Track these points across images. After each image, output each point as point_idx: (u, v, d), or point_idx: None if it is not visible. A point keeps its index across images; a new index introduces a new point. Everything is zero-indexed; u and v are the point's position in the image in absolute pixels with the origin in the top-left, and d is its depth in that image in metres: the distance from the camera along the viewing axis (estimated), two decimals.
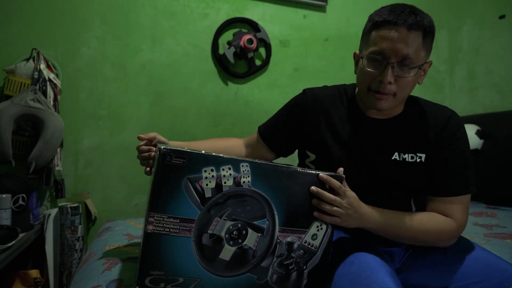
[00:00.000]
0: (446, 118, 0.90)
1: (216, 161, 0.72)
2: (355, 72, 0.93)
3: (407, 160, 0.89)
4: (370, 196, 0.87)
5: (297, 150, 1.09)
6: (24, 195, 1.42)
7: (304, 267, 0.77)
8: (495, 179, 2.12)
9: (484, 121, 2.23)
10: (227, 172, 0.72)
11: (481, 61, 2.42)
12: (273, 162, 0.80)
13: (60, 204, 1.55)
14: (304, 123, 0.99)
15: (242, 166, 0.73)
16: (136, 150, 0.96)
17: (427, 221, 0.85)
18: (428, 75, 2.51)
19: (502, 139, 2.11)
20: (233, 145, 1.09)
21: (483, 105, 2.40)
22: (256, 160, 0.76)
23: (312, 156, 0.98)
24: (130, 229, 1.38)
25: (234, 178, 0.73)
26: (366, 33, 0.88)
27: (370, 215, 0.81)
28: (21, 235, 1.34)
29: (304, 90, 1.03)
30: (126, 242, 1.20)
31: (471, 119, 2.31)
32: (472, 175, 0.90)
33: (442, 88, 2.61)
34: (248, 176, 0.73)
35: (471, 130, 2.22)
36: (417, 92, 2.79)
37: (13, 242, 1.24)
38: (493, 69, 2.35)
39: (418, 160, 0.89)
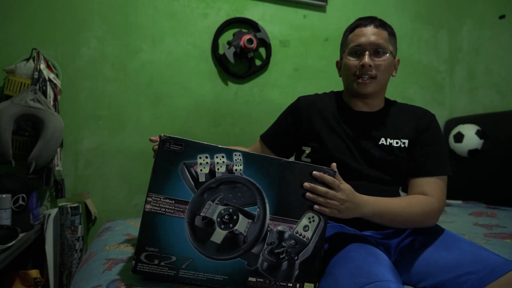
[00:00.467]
0: (422, 112, 1.09)
1: (210, 149, 0.77)
2: (340, 76, 1.13)
3: (393, 144, 1.03)
4: (363, 181, 1.00)
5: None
6: (24, 195, 1.42)
7: (296, 258, 0.79)
8: (495, 179, 2.12)
9: (484, 121, 2.23)
10: (220, 159, 0.77)
11: (481, 61, 2.42)
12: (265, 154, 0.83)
13: (60, 204, 1.54)
14: (300, 124, 1.10)
15: (235, 155, 0.77)
16: (152, 150, 0.99)
17: (415, 204, 0.94)
18: (428, 75, 2.54)
19: (502, 139, 2.11)
20: None
21: (483, 105, 2.40)
22: (249, 151, 0.80)
23: (308, 149, 1.08)
24: (130, 229, 1.38)
25: (227, 165, 0.77)
26: (344, 41, 1.10)
27: (366, 204, 0.85)
28: (21, 235, 1.34)
29: (298, 98, 1.16)
30: (126, 242, 1.20)
31: (471, 119, 2.31)
32: (448, 160, 1.05)
33: (442, 88, 2.61)
34: (240, 165, 0.77)
35: (471, 130, 2.23)
36: (417, 92, 2.79)
37: (13, 242, 1.24)
38: (493, 69, 2.35)
39: (402, 145, 1.03)
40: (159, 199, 0.74)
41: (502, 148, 2.10)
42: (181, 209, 0.75)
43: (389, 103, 1.12)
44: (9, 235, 1.24)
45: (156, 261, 0.74)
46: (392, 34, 1.07)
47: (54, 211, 1.56)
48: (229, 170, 0.77)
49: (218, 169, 0.76)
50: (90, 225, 1.79)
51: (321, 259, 0.81)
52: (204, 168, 0.76)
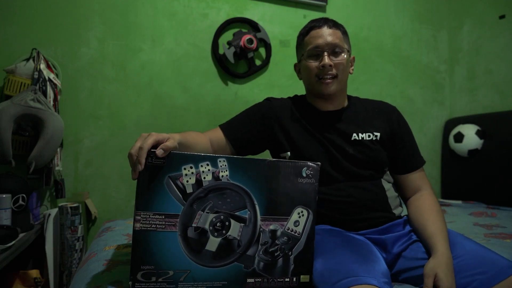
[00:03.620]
0: (387, 106, 1.14)
1: (194, 159, 0.76)
2: (300, 78, 1.16)
3: (365, 138, 1.05)
4: (344, 181, 1.01)
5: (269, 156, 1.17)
6: (24, 195, 1.42)
7: (290, 253, 0.80)
8: (495, 179, 2.12)
9: (484, 121, 2.23)
10: (205, 168, 0.76)
11: (481, 61, 2.42)
12: (249, 156, 0.83)
13: (60, 204, 1.54)
14: (272, 127, 1.10)
15: (220, 161, 0.77)
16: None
17: (435, 207, 1.00)
18: (428, 75, 2.55)
19: (502, 139, 2.11)
20: (203, 140, 1.05)
21: (483, 105, 2.40)
22: (233, 156, 0.80)
23: (287, 155, 1.08)
24: (130, 229, 1.38)
25: (213, 173, 0.77)
26: (300, 43, 1.13)
27: (450, 258, 0.83)
28: (21, 235, 1.34)
29: (268, 98, 1.17)
30: (126, 242, 1.20)
31: (471, 119, 2.32)
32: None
33: (442, 88, 2.61)
34: (226, 170, 0.77)
35: (471, 130, 2.23)
36: (417, 92, 2.79)
37: (13, 242, 1.24)
38: (493, 69, 2.35)
39: (374, 138, 1.06)
40: (148, 216, 0.73)
41: (502, 148, 2.10)
42: (172, 223, 0.74)
43: (351, 100, 1.15)
44: (9, 235, 1.24)
45: (153, 279, 0.73)
46: (345, 33, 1.09)
47: (54, 211, 1.56)
48: (216, 177, 0.77)
49: (204, 177, 0.76)
50: (90, 225, 1.79)
51: (313, 251, 0.83)
52: (190, 178, 0.75)
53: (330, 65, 1.02)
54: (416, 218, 0.99)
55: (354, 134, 1.05)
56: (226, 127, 1.11)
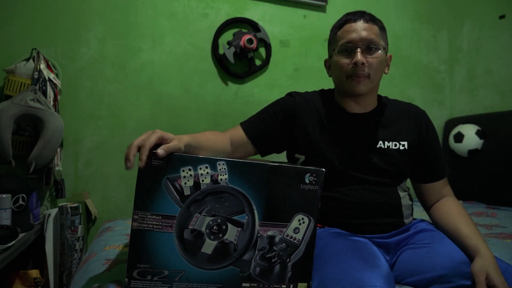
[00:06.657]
0: (417, 110, 1.07)
1: (193, 161, 0.75)
2: (330, 75, 1.07)
3: (391, 147, 0.99)
4: (360, 184, 0.97)
5: (286, 157, 1.12)
6: (24, 195, 1.42)
7: (288, 260, 0.79)
8: (495, 179, 2.12)
9: (484, 121, 2.23)
10: (204, 170, 0.76)
11: (481, 61, 2.42)
12: (250, 160, 0.83)
13: (60, 204, 1.54)
14: (293, 124, 1.03)
15: (219, 164, 0.76)
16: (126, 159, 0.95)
17: (465, 213, 0.96)
18: (428, 75, 2.54)
19: (502, 139, 2.11)
20: (221, 140, 1.02)
21: (483, 105, 2.40)
22: (233, 159, 0.78)
23: (302, 158, 1.02)
24: (130, 229, 1.38)
25: (212, 176, 0.76)
26: (332, 37, 1.04)
27: (494, 258, 0.82)
28: (21, 235, 1.34)
29: (290, 93, 1.09)
30: (126, 242, 1.20)
31: (471, 119, 2.32)
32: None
33: (442, 88, 2.61)
34: (225, 174, 0.76)
35: (471, 130, 2.23)
36: (417, 92, 2.78)
37: (13, 242, 1.24)
38: (493, 69, 2.35)
39: (402, 147, 1.00)
40: (145, 216, 0.74)
41: (502, 148, 2.10)
42: (169, 224, 0.74)
43: (381, 101, 1.07)
44: (9, 235, 1.24)
45: (148, 277, 0.74)
46: (382, 28, 1.01)
47: (54, 211, 1.56)
48: (214, 180, 0.76)
49: (202, 180, 0.75)
50: (90, 225, 1.79)
51: (313, 259, 0.81)
52: (188, 181, 0.75)
53: (363, 63, 0.93)
54: (447, 221, 0.95)
55: (380, 142, 0.99)
56: (246, 124, 1.05)
